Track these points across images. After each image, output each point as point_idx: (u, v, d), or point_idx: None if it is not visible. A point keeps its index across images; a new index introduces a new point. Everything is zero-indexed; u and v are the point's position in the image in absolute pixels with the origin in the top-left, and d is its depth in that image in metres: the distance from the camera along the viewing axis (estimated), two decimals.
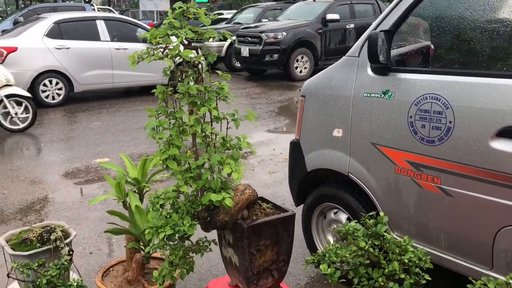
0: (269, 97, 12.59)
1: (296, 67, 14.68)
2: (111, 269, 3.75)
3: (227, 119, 2.42)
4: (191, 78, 2.37)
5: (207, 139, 2.36)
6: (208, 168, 2.33)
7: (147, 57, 2.33)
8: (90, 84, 12.00)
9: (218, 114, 2.32)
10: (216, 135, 2.41)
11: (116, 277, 3.63)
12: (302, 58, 14.70)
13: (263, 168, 7.18)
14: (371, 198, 3.68)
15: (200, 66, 2.42)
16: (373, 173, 3.62)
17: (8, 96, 8.90)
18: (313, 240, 4.34)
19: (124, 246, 3.49)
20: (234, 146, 2.44)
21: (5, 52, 10.74)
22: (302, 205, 4.41)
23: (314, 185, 4.31)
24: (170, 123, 2.33)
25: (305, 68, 14.83)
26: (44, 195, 6.17)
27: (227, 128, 2.44)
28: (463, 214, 3.09)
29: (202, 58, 2.41)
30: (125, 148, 8.15)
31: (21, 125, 9.23)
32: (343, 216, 3.97)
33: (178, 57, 2.34)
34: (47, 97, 11.45)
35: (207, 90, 2.36)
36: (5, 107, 8.95)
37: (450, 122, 3.06)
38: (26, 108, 9.24)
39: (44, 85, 11.36)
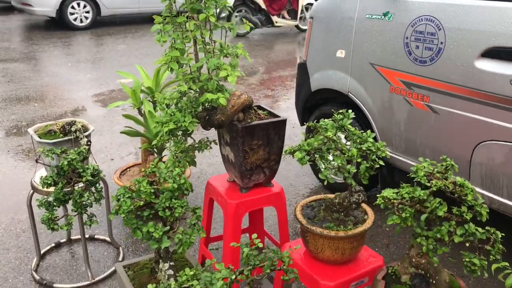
0: None
1: None
2: (128, 169, 4.19)
3: (225, 28, 2.67)
4: None
5: (206, 46, 2.63)
6: (207, 71, 2.63)
7: None
8: (116, 8, 12.19)
9: (216, 21, 2.58)
10: (215, 42, 2.69)
11: (132, 176, 4.06)
12: None
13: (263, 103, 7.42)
14: (367, 117, 3.93)
15: None
16: (370, 92, 3.85)
17: None
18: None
19: (139, 148, 3.87)
20: (232, 53, 2.72)
21: None
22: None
23: (317, 106, 4.57)
24: (173, 27, 2.60)
25: None
26: (71, 109, 6.61)
27: (225, 36, 2.71)
28: (446, 130, 3.33)
29: None
30: (147, 70, 8.47)
31: None
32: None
33: None
34: (75, 19, 11.73)
35: None
36: None
37: (441, 43, 3.23)
38: None
39: (72, 7, 11.61)
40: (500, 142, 3.02)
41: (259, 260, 1.57)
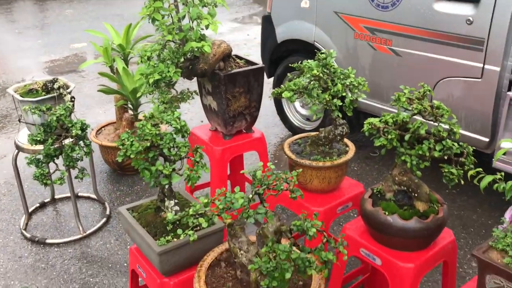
0: None
1: None
2: (103, 128, 4.23)
3: None
4: None
5: None
6: (188, 21, 2.72)
7: None
8: None
9: None
10: None
11: (108, 134, 4.12)
12: None
13: (237, 51, 7.51)
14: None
15: None
16: (335, 40, 4.05)
17: None
18: (283, 108, 4.85)
19: (115, 105, 3.93)
20: (210, 3, 2.81)
21: None
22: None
23: (284, 57, 4.73)
24: None
25: None
26: (29, 77, 6.44)
27: None
28: (409, 71, 3.60)
29: None
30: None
31: None
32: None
33: None
34: None
35: None
36: None
37: None
38: None
39: None
40: (458, 78, 3.32)
41: (273, 180, 1.75)
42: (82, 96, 5.67)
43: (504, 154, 3.02)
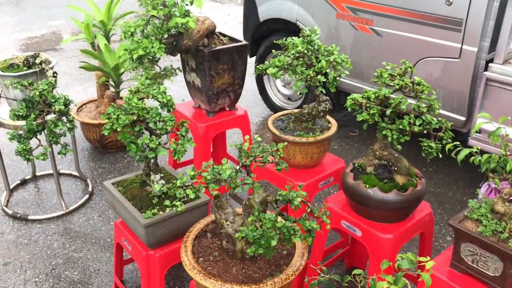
0: None
1: None
2: (84, 106, 4.20)
3: None
4: None
5: None
6: None
7: None
8: None
9: None
10: None
11: (90, 112, 4.09)
12: None
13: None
14: None
15: None
16: (318, 19, 4.08)
17: None
18: (265, 87, 4.88)
19: (96, 82, 3.90)
20: None
21: None
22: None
23: (266, 36, 4.75)
24: None
25: None
26: (5, 55, 6.31)
27: None
28: (389, 51, 3.66)
29: None
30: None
31: None
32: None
33: None
34: None
35: None
36: None
37: None
38: None
39: None
40: (437, 58, 3.39)
41: (259, 152, 1.80)
42: (61, 74, 5.59)
43: (479, 132, 3.13)
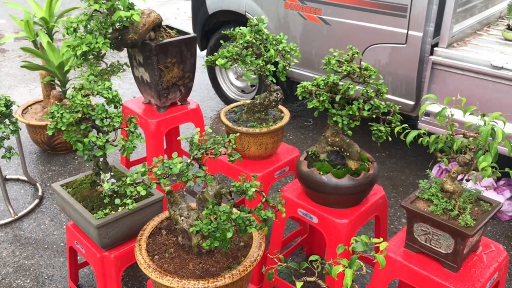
0: None
1: None
2: (29, 107, 4.03)
3: None
4: None
5: None
6: None
7: None
8: None
9: None
10: None
11: (36, 113, 3.93)
12: None
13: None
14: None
15: None
16: (266, 10, 4.07)
17: None
18: (218, 80, 4.83)
19: (41, 82, 3.74)
20: None
21: None
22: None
23: (216, 29, 4.70)
24: None
25: None
26: None
27: None
28: (338, 39, 3.69)
29: None
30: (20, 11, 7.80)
31: None
32: None
33: None
34: None
35: None
36: None
37: None
38: None
39: None
40: (384, 45, 3.45)
41: (210, 144, 1.76)
42: (3, 76, 5.35)
43: (427, 115, 3.21)
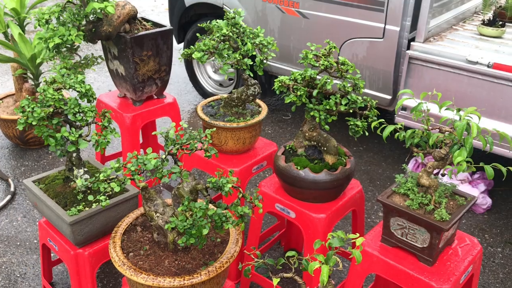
0: None
1: None
2: (0, 101, 3.92)
3: None
4: None
5: None
6: None
7: None
8: None
9: None
10: None
11: (7, 107, 3.82)
12: None
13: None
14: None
15: None
16: (244, 3, 4.03)
17: None
18: (195, 74, 4.78)
19: (13, 75, 3.64)
20: None
21: None
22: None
23: (193, 22, 4.64)
24: None
25: None
26: None
27: None
28: (316, 33, 3.68)
29: None
30: None
31: None
32: None
33: None
34: None
35: None
36: None
37: None
38: None
39: None
40: (362, 39, 3.46)
41: (186, 139, 1.73)
42: None
43: (404, 109, 3.23)
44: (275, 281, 1.43)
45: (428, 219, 1.74)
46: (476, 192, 3.26)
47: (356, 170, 2.20)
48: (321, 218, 2.12)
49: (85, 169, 2.21)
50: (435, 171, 1.85)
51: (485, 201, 3.29)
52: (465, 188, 3.26)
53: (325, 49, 2.14)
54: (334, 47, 2.11)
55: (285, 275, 1.49)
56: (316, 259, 1.37)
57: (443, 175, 1.85)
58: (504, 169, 1.66)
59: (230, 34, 2.25)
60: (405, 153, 3.93)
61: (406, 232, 1.84)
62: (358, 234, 1.39)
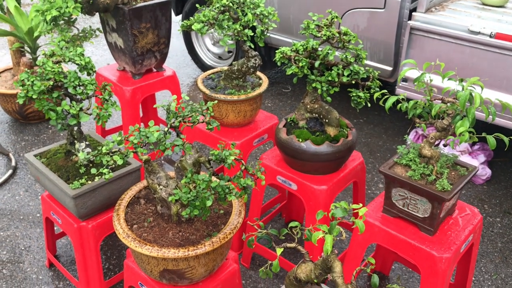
0: None
1: None
2: None
3: None
4: None
5: None
6: None
7: None
8: None
9: None
10: None
11: (5, 81, 3.79)
12: None
13: None
14: None
15: None
16: None
17: None
18: (194, 46, 4.73)
19: (10, 49, 3.60)
20: None
21: None
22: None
23: None
24: None
25: None
26: None
27: None
28: (316, 3, 3.62)
29: None
30: None
31: None
32: None
33: None
34: None
35: None
36: None
37: None
38: None
39: None
40: (362, 9, 3.41)
41: (188, 112, 1.72)
42: None
43: (405, 81, 3.21)
44: (279, 251, 1.45)
45: (430, 189, 1.76)
46: (476, 163, 3.28)
47: (357, 142, 2.21)
48: (322, 190, 2.13)
49: (87, 143, 2.20)
50: (436, 142, 1.85)
51: (485, 172, 3.30)
52: (465, 159, 3.27)
53: (327, 19, 2.11)
54: (336, 17, 2.08)
55: (289, 245, 1.50)
56: (319, 229, 1.38)
57: (445, 145, 1.85)
58: (506, 139, 1.67)
59: (230, 4, 2.22)
60: (405, 126, 3.93)
61: (408, 203, 1.85)
62: (361, 205, 1.40)
